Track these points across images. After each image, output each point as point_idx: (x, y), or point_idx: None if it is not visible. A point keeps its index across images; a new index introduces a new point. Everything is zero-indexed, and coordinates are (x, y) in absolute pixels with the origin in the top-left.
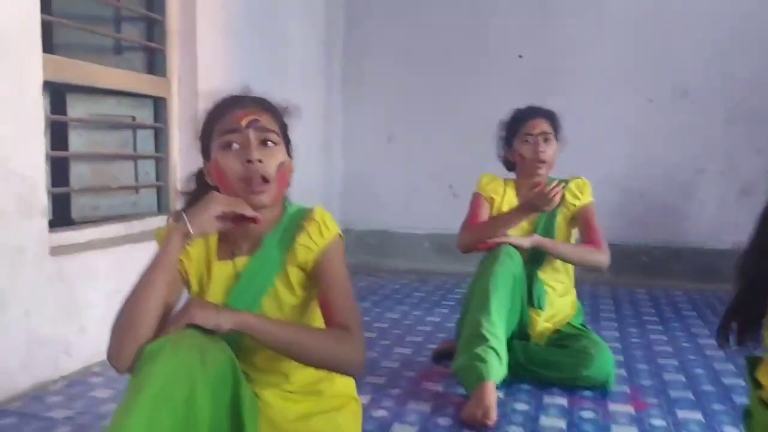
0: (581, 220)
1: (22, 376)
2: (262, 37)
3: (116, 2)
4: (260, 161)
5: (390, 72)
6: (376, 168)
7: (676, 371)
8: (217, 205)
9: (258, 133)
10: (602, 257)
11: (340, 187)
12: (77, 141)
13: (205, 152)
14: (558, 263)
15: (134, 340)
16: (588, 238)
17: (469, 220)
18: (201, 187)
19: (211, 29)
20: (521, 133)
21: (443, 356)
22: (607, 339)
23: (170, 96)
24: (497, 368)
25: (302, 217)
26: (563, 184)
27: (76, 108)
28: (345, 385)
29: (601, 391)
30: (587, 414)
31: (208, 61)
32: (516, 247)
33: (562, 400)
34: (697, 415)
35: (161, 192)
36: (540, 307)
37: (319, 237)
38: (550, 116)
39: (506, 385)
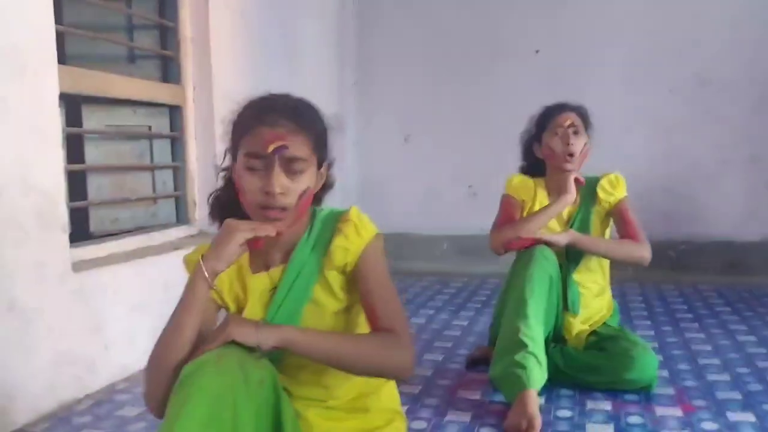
0: (617, 216)
1: (47, 396)
2: (275, 42)
3: (128, 10)
4: (282, 192)
5: (404, 72)
6: (392, 170)
7: (719, 371)
8: (240, 233)
9: (284, 160)
10: (643, 251)
11: (356, 190)
12: (94, 153)
13: (233, 152)
14: (593, 263)
15: (168, 386)
16: (625, 232)
17: (501, 221)
18: (230, 187)
19: (224, 35)
20: (551, 127)
21: (477, 363)
22: (643, 339)
23: (186, 104)
24: (538, 375)
25: (336, 218)
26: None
27: (92, 120)
28: (390, 398)
29: (645, 394)
30: (634, 419)
31: (222, 68)
32: (551, 245)
33: (606, 405)
34: (750, 417)
35: (179, 202)
36: (574, 312)
37: (357, 237)
38: (580, 110)
39: (545, 391)
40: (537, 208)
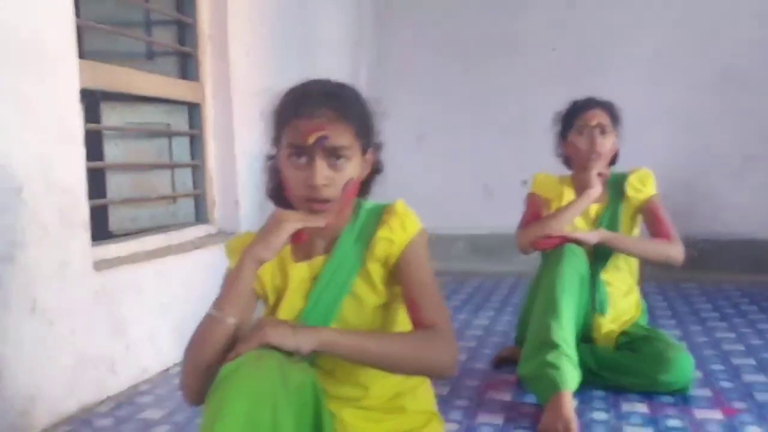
0: (647, 213)
1: (68, 398)
2: (292, 38)
3: (145, 3)
4: (325, 184)
5: (419, 70)
6: (407, 168)
7: (755, 371)
8: (290, 224)
9: (326, 150)
10: (675, 251)
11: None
12: (113, 151)
13: (276, 143)
14: (621, 262)
15: (207, 377)
16: (656, 231)
17: (527, 220)
18: (276, 177)
19: (243, 31)
20: (577, 125)
21: (505, 362)
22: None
23: (204, 101)
24: (572, 376)
25: (381, 210)
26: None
27: (111, 117)
28: (427, 399)
29: (682, 396)
30: (674, 422)
31: (241, 65)
32: (580, 243)
33: (642, 407)
34: None
35: (199, 201)
36: (602, 312)
37: (402, 231)
38: (608, 107)
39: (577, 392)
40: (564, 206)
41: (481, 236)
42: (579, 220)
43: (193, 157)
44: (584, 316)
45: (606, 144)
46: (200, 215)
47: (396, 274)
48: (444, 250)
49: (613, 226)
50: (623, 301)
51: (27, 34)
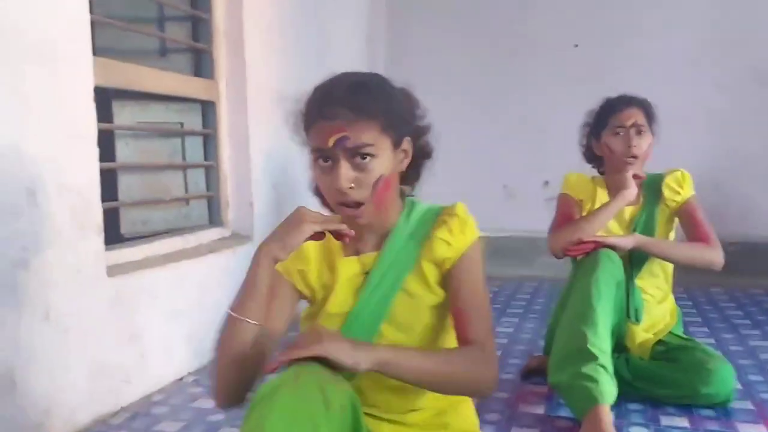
0: (684, 216)
1: (83, 409)
2: (307, 34)
3: (159, 0)
4: (352, 187)
5: (434, 68)
6: None
7: None
8: (309, 224)
9: (349, 150)
10: (714, 255)
11: None
12: (124, 151)
13: (306, 145)
14: (656, 267)
15: (237, 380)
16: (695, 234)
17: (559, 222)
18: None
19: (258, 28)
20: (611, 125)
21: (533, 373)
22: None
23: (219, 100)
24: (610, 389)
25: (439, 211)
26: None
27: (123, 115)
28: (470, 416)
29: (722, 408)
30: None
31: (257, 61)
32: (615, 249)
33: (682, 421)
34: None
35: (212, 203)
36: (637, 319)
37: (461, 235)
38: (645, 106)
39: (613, 405)
40: (596, 207)
41: (501, 238)
42: (613, 224)
43: (206, 157)
44: (618, 324)
45: (642, 145)
46: (213, 217)
47: (448, 280)
48: None
49: (648, 229)
50: (658, 308)
51: (41, 31)
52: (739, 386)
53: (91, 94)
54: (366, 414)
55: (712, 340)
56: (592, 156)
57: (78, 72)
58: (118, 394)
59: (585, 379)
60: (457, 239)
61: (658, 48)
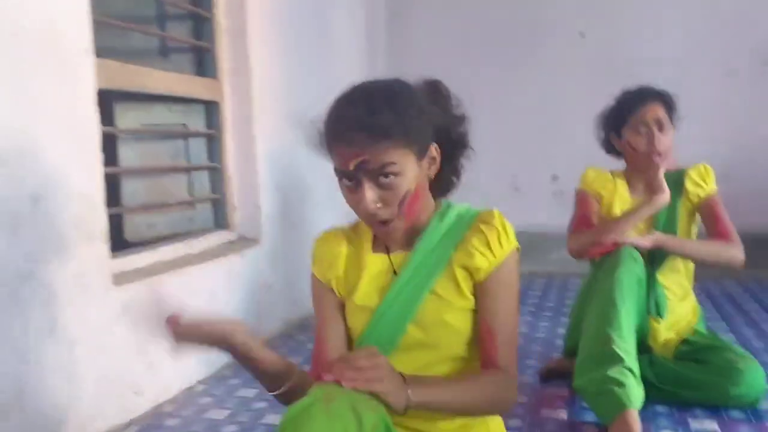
0: (706, 211)
1: (92, 423)
2: (309, 31)
3: None
4: (379, 206)
5: (437, 61)
6: None
7: None
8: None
9: (370, 173)
10: (736, 252)
11: None
12: (127, 154)
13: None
14: (678, 264)
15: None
16: (716, 231)
17: (578, 220)
18: None
19: (261, 25)
20: (632, 123)
21: (553, 376)
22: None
23: (222, 99)
24: (637, 393)
25: (475, 216)
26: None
27: (126, 118)
28: (496, 427)
29: (752, 410)
30: None
31: (260, 59)
32: (635, 247)
33: (712, 424)
34: None
35: (218, 205)
36: (660, 315)
37: (499, 247)
38: (665, 99)
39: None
40: (617, 202)
41: None
42: None
43: (211, 158)
44: (641, 323)
45: (666, 141)
46: (219, 221)
47: (481, 292)
48: None
49: (670, 224)
50: (680, 306)
51: (43, 33)
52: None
53: (94, 98)
54: (396, 425)
55: (733, 336)
56: (611, 147)
57: (80, 75)
58: (128, 406)
59: (611, 383)
60: (495, 252)
61: (660, 36)
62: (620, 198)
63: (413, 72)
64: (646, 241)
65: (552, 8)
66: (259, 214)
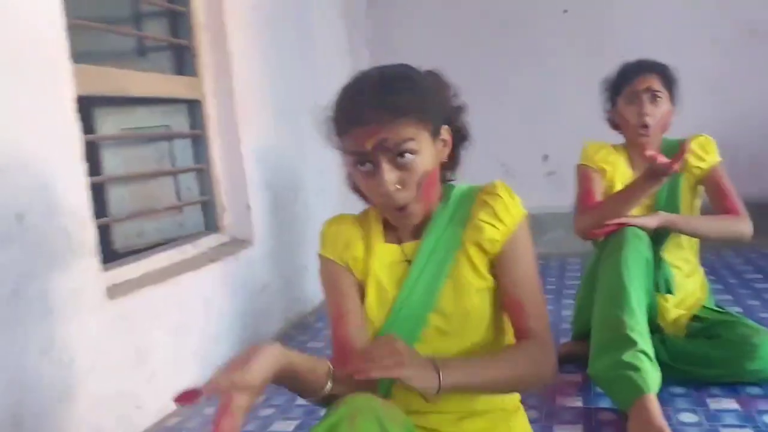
0: (710, 184)
1: None
2: (288, 20)
3: None
4: (398, 188)
5: (420, 47)
6: None
7: None
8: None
9: (389, 152)
10: (744, 226)
11: None
12: (112, 161)
13: (340, 150)
14: (683, 239)
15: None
16: (722, 205)
17: (583, 199)
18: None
19: (240, 20)
20: (626, 92)
21: (563, 361)
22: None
23: (205, 98)
24: (654, 376)
25: (477, 191)
26: (687, 146)
27: (106, 123)
28: (520, 426)
29: None
30: None
31: (241, 54)
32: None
33: (731, 403)
34: None
35: (207, 208)
36: (669, 292)
37: (507, 215)
38: (662, 71)
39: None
40: (618, 177)
41: None
42: None
43: (197, 160)
44: (650, 303)
45: (656, 113)
46: (210, 223)
47: (498, 266)
48: None
49: (672, 199)
50: (687, 282)
51: (17, 42)
52: None
53: (73, 106)
54: (419, 428)
55: (739, 309)
56: (615, 123)
57: (59, 83)
58: (130, 423)
59: (627, 368)
60: (505, 221)
61: (649, 8)
62: (621, 173)
63: (397, 61)
64: (652, 220)
65: None
66: (249, 214)
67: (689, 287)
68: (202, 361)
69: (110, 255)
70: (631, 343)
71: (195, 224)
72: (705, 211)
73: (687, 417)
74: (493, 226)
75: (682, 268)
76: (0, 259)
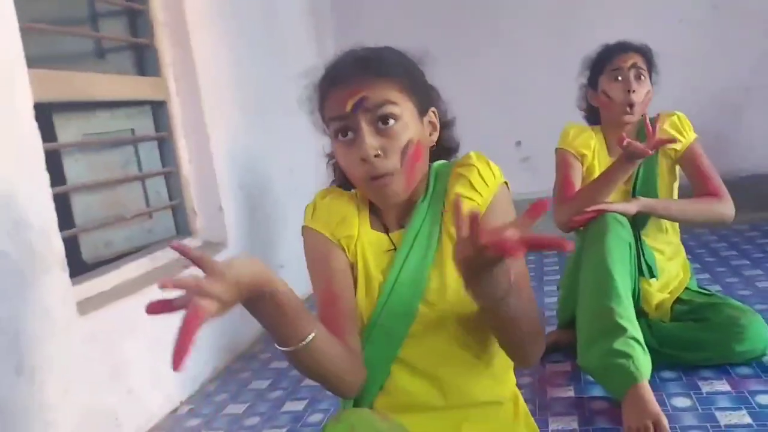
0: (688, 163)
1: None
2: (252, 18)
3: None
4: (378, 154)
5: (387, 32)
6: None
7: None
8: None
9: (370, 113)
10: (725, 208)
11: None
12: (74, 168)
13: (325, 127)
14: (665, 222)
15: (337, 380)
16: (702, 186)
17: (562, 186)
18: (341, 175)
19: (201, 15)
20: (609, 70)
21: (551, 350)
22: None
23: (169, 98)
24: (646, 363)
25: (452, 165)
26: (658, 124)
27: (68, 130)
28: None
29: (759, 364)
30: (766, 399)
31: (205, 52)
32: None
33: (722, 385)
34: None
35: (177, 212)
36: (653, 276)
37: (484, 185)
38: (644, 51)
39: None
40: (596, 163)
41: None
42: None
43: (164, 163)
44: (633, 288)
45: (642, 91)
46: (181, 228)
47: None
48: None
49: (649, 183)
50: (671, 265)
51: None
52: None
53: (31, 113)
54: None
55: (719, 287)
56: (593, 115)
57: (15, 90)
58: None
59: (619, 355)
60: (481, 191)
61: None
62: (599, 159)
63: (368, 45)
64: (631, 206)
65: None
66: (222, 216)
67: (672, 270)
68: (181, 373)
69: (80, 268)
70: (622, 331)
71: (166, 229)
72: (685, 191)
73: (680, 402)
74: (470, 198)
75: (664, 251)
76: None
